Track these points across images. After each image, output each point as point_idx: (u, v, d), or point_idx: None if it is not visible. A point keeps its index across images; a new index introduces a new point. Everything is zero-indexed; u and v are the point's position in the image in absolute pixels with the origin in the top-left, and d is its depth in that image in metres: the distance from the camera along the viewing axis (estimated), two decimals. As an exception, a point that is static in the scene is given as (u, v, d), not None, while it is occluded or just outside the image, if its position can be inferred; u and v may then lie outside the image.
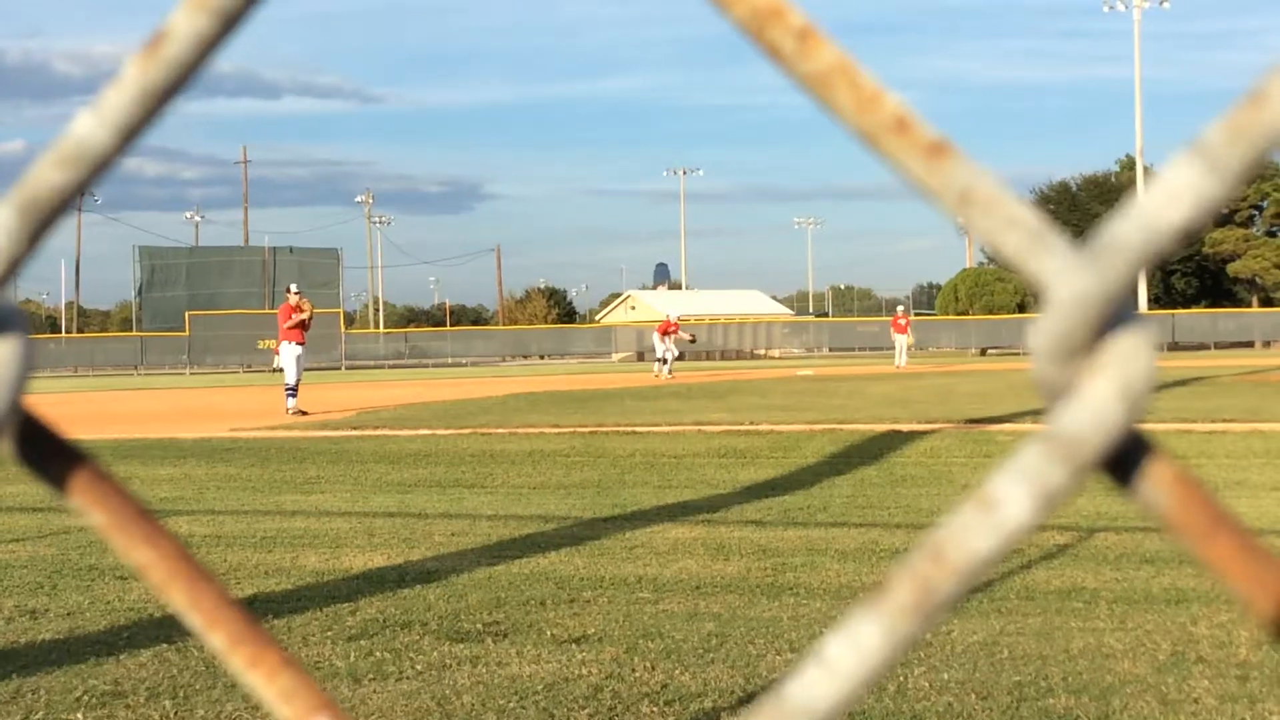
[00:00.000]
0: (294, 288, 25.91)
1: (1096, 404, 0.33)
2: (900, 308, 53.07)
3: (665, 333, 43.68)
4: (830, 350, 79.16)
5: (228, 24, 0.38)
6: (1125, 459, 0.34)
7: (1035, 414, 19.51)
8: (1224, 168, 0.31)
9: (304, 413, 23.29)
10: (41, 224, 0.41)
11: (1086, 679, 5.54)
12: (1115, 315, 0.33)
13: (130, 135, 0.39)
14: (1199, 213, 0.32)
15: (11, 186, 0.41)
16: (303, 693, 0.40)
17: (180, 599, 0.41)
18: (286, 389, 24.10)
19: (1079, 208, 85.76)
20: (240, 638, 0.41)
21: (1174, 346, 68.99)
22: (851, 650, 0.34)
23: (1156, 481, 0.34)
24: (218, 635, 0.41)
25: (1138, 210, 0.32)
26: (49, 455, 0.43)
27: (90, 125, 0.39)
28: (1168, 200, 0.32)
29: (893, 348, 50.61)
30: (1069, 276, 0.33)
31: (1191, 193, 0.31)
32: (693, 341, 40.78)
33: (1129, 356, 0.33)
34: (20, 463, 0.44)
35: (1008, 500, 0.33)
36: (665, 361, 40.85)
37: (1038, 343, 0.34)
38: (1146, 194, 0.32)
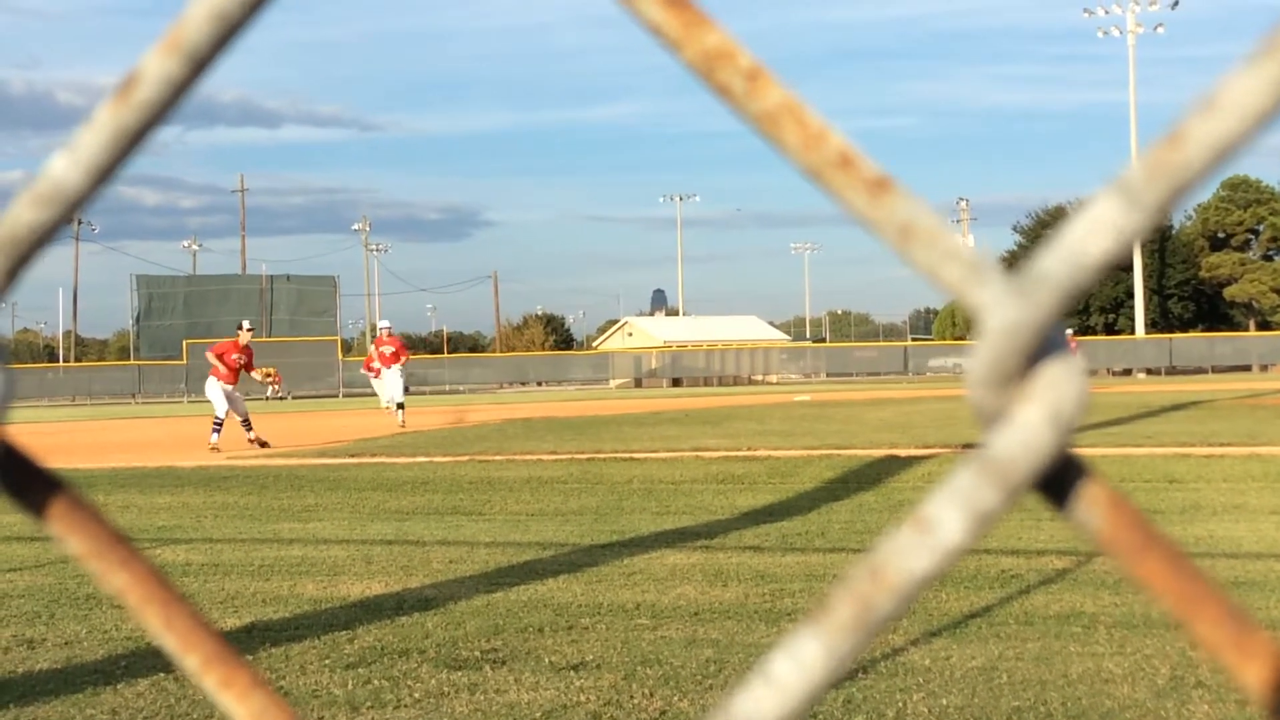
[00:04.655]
0: (247, 324, 24.52)
1: (1027, 429, 0.34)
2: (1069, 330, 51.98)
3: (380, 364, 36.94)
4: (828, 376, 79.18)
5: (197, 68, 0.39)
6: (1059, 481, 0.35)
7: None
8: (1143, 203, 0.33)
9: (218, 450, 22.07)
10: (19, 261, 0.42)
11: (1086, 704, 5.53)
12: (1046, 344, 0.34)
13: (104, 175, 0.40)
14: (1120, 245, 0.33)
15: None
16: (273, 713, 0.41)
17: (155, 622, 0.42)
18: (216, 422, 22.72)
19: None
20: (213, 659, 0.42)
21: (1171, 370, 69.04)
22: (795, 667, 0.35)
23: (1090, 503, 0.35)
24: (192, 657, 0.42)
25: (1062, 244, 0.33)
26: (27, 483, 0.45)
27: (65, 166, 0.40)
28: (1090, 233, 0.33)
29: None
30: (1000, 307, 0.34)
31: (1113, 226, 0.33)
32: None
33: (1059, 383, 0.34)
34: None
35: (942, 521, 0.34)
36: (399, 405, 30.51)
37: (972, 370, 0.35)
38: (1070, 228, 0.34)
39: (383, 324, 29.29)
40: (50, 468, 0.46)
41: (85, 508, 0.44)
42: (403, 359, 28.62)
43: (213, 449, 22.01)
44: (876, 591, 0.34)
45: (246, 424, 23.24)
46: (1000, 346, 0.34)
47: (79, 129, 0.40)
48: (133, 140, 0.40)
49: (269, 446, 22.69)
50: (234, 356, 23.14)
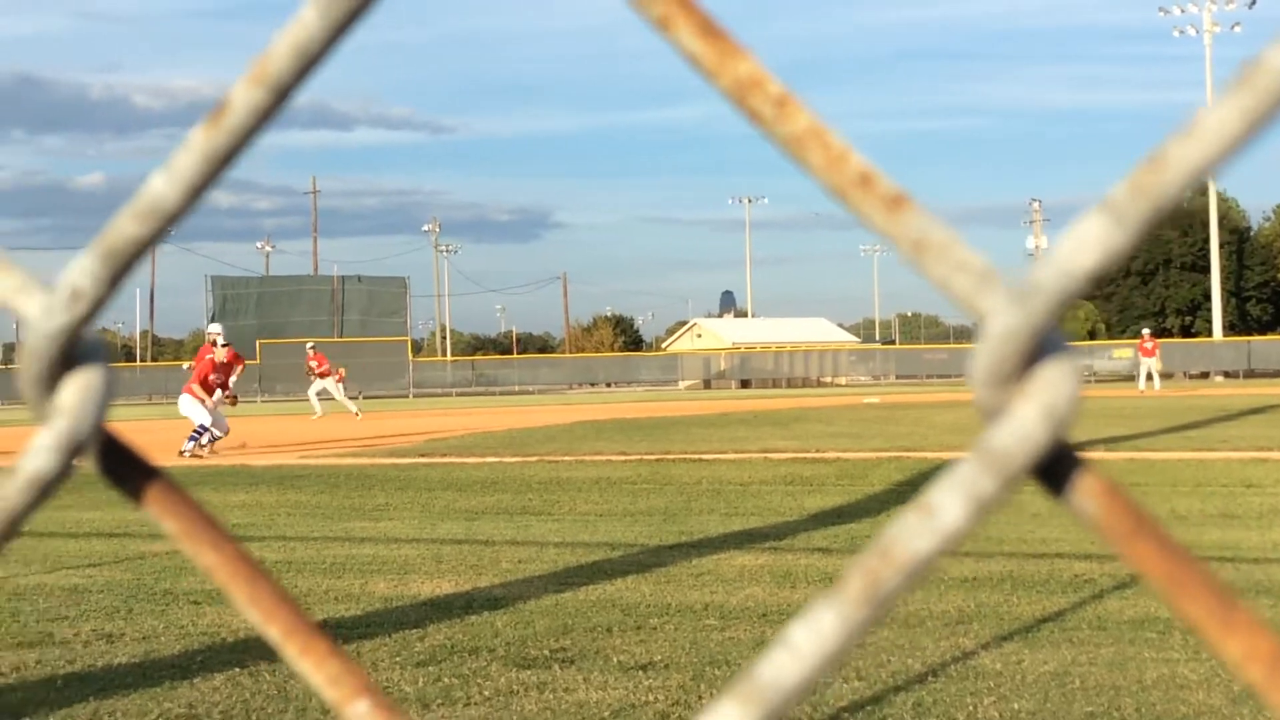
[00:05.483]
0: (218, 331, 23.49)
1: (1022, 423, 0.38)
2: (1146, 330, 51.75)
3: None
4: (897, 378, 78.83)
5: (280, 96, 0.43)
6: (1056, 471, 0.39)
7: (1107, 441, 19.37)
8: (1128, 222, 0.36)
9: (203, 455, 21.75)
10: (120, 270, 0.47)
11: (1160, 710, 5.49)
12: (1042, 346, 0.38)
13: (196, 193, 0.45)
14: (1107, 260, 0.36)
15: (95, 237, 0.47)
16: (348, 678, 0.45)
17: (241, 596, 0.46)
18: (199, 429, 22.01)
19: (1150, 234, 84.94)
20: (293, 629, 0.46)
21: (1250, 373, 68.11)
22: (813, 635, 0.38)
23: (1085, 491, 0.38)
24: (274, 628, 0.46)
25: (1054, 258, 0.37)
26: (127, 470, 0.49)
27: (162, 184, 0.45)
28: (1079, 249, 0.36)
29: (1135, 373, 49.85)
30: (1000, 314, 0.37)
31: (1100, 243, 0.36)
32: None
33: (1053, 383, 0.38)
34: (102, 476, 0.50)
35: (944, 507, 0.38)
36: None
37: (974, 370, 0.38)
38: (1060, 243, 0.37)
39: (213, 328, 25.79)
40: (147, 456, 0.50)
41: (179, 492, 0.48)
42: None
43: (194, 454, 21.54)
44: (885, 569, 0.38)
45: (214, 437, 22.26)
46: (999, 349, 0.38)
47: (175, 151, 0.45)
48: (222, 161, 0.44)
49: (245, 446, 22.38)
50: (212, 377, 22.42)
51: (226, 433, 22.47)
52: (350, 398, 39.56)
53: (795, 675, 0.38)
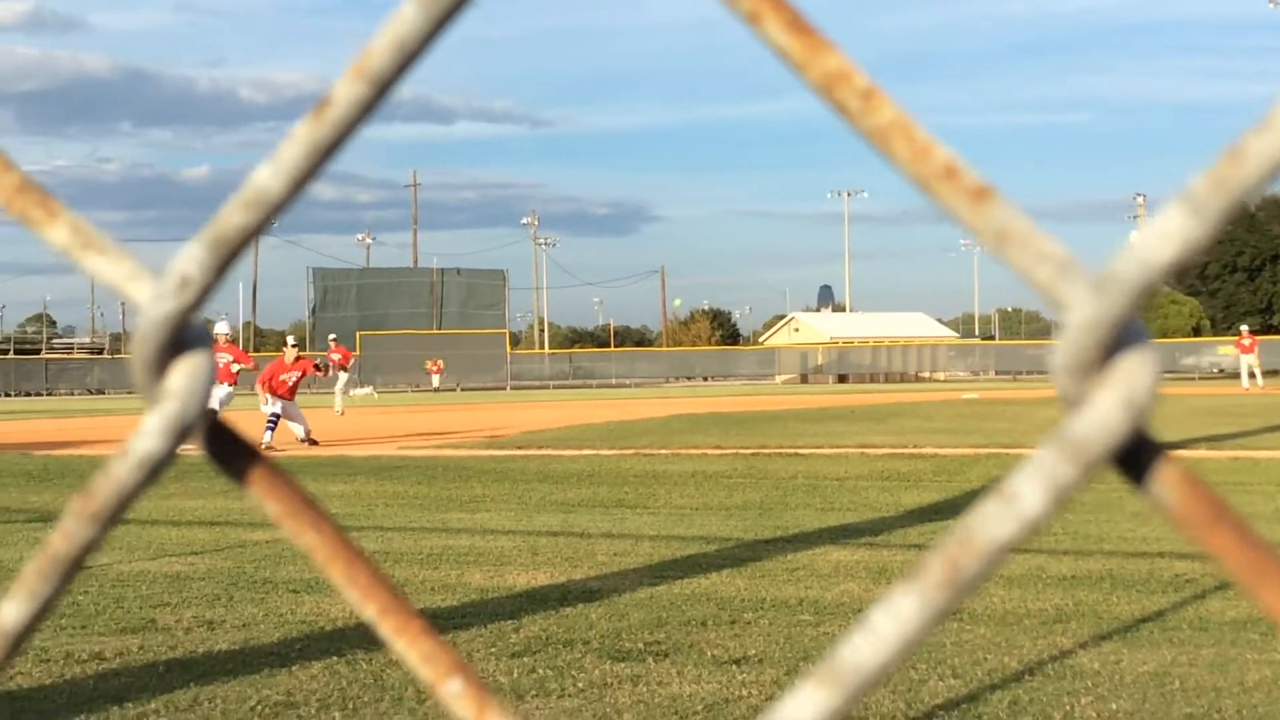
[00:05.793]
0: (292, 340, 24.45)
1: (1102, 413, 0.38)
2: (1244, 327, 51.12)
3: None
4: (996, 373, 78.07)
5: (381, 90, 0.45)
6: (1135, 460, 0.39)
7: (1210, 440, 19.05)
8: (1207, 214, 0.36)
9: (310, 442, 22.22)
10: (227, 258, 0.48)
11: (1263, 712, 5.40)
12: (1122, 337, 0.38)
13: (300, 184, 0.47)
14: (1186, 252, 0.37)
15: (203, 226, 0.49)
16: (441, 657, 0.47)
17: (340, 576, 0.48)
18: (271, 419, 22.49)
19: (1258, 228, 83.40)
20: (389, 608, 0.47)
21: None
22: (892, 619, 0.39)
23: (1163, 480, 0.39)
24: (370, 606, 0.47)
25: (1133, 249, 0.37)
26: (231, 452, 0.51)
27: (268, 175, 0.47)
28: (1160, 241, 0.37)
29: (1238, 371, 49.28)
30: (1082, 305, 0.38)
31: (1180, 235, 0.37)
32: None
33: (1133, 373, 0.38)
34: (208, 458, 0.52)
35: (1024, 494, 0.38)
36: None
37: (1056, 360, 0.39)
38: (1141, 234, 0.37)
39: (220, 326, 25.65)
40: (250, 439, 0.52)
41: (281, 475, 0.50)
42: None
43: (269, 446, 21.42)
44: (964, 555, 0.38)
45: (304, 434, 22.74)
46: (1080, 339, 0.38)
47: (281, 143, 0.46)
48: (325, 153, 0.46)
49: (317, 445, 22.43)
50: (282, 377, 22.76)
51: (305, 424, 22.77)
52: (449, 389, 39.74)
53: (875, 659, 0.38)
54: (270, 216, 0.48)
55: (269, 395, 22.46)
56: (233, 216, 0.47)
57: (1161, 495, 0.39)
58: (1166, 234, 0.37)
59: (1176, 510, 0.38)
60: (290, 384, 22.56)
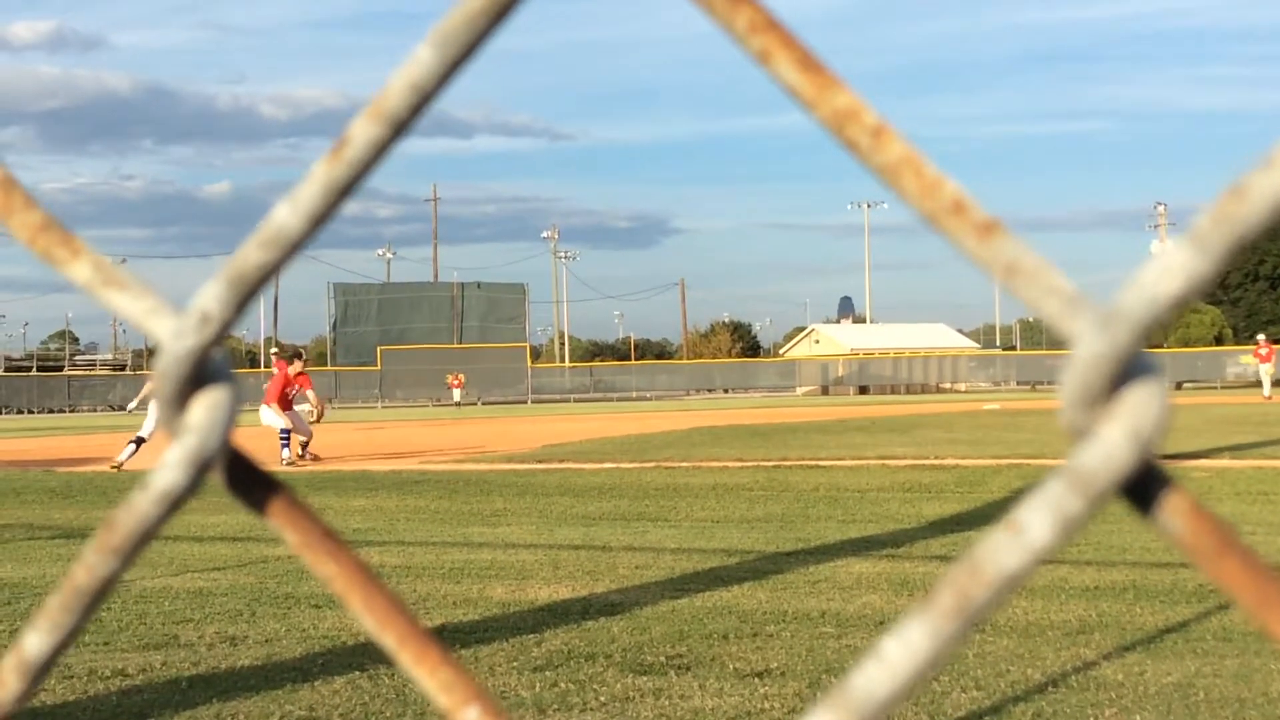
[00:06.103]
0: (289, 353, 24.29)
1: (1109, 445, 0.38)
2: (1261, 336, 50.88)
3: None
4: (1017, 384, 77.88)
5: (397, 130, 0.45)
6: (1143, 490, 0.39)
7: (1233, 449, 18.98)
8: (1210, 250, 0.37)
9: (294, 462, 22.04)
10: (247, 295, 0.49)
11: (1284, 722, 5.38)
12: (1128, 370, 0.38)
13: (318, 222, 0.47)
14: (1190, 287, 0.37)
15: (224, 264, 0.50)
16: (460, 686, 0.47)
17: (358, 605, 0.49)
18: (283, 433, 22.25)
19: (1279, 237, 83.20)
20: (407, 637, 0.48)
21: None
22: (903, 648, 0.39)
23: (1172, 510, 0.39)
24: (389, 636, 0.48)
25: (1139, 284, 0.38)
26: (251, 484, 0.51)
27: (286, 213, 0.48)
28: (1164, 276, 0.37)
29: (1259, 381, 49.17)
30: (1088, 338, 0.38)
31: (1184, 270, 0.37)
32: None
33: (1139, 406, 0.39)
34: (228, 491, 0.52)
35: (1032, 525, 0.39)
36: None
37: (1063, 392, 0.40)
38: (1146, 269, 0.38)
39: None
40: (270, 471, 0.53)
41: (299, 506, 0.51)
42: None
43: (291, 462, 21.71)
44: (974, 585, 0.39)
45: (303, 441, 22.73)
46: (1087, 372, 0.39)
47: (299, 182, 0.47)
48: (343, 192, 0.47)
49: (319, 460, 22.46)
50: (288, 391, 22.57)
51: (309, 436, 22.78)
52: (470, 403, 39.66)
53: (887, 686, 0.39)
54: (288, 254, 0.49)
55: (278, 409, 22.45)
56: (252, 255, 0.48)
57: (1170, 525, 0.39)
58: (1171, 269, 0.37)
59: (1185, 540, 0.39)
60: (292, 396, 22.64)
